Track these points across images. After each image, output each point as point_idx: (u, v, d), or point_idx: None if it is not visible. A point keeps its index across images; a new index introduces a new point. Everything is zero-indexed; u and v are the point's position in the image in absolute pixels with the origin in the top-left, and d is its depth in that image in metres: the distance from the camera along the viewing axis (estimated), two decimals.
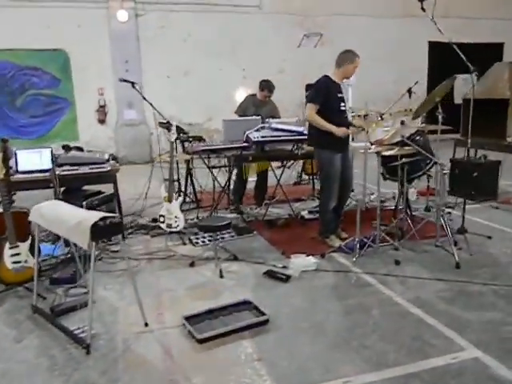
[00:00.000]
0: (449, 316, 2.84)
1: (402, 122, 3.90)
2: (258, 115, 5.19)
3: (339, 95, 4.08)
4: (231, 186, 5.34)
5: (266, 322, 2.79)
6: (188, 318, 2.78)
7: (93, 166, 4.22)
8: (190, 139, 5.15)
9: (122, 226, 2.62)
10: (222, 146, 4.71)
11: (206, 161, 4.99)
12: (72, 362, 2.45)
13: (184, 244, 4.32)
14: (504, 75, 5.96)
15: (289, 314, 2.94)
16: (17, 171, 4.20)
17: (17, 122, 9.17)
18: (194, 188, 5.71)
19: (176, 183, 4.57)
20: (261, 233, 4.58)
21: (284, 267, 3.63)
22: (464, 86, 6.41)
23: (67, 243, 4.13)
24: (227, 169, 5.03)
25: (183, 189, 5.64)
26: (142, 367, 2.41)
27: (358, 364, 2.38)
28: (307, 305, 3.06)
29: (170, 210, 4.42)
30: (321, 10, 10.75)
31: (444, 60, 11.97)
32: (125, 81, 4.30)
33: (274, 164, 5.51)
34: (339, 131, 3.92)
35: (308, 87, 7.67)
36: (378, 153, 3.95)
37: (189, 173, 5.63)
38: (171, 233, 4.40)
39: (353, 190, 5.18)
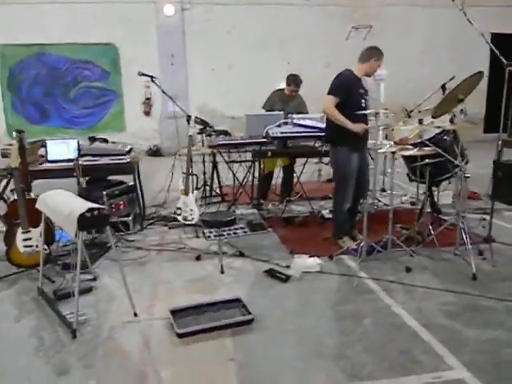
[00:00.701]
0: (447, 332, 2.64)
1: (420, 121, 3.64)
2: (285, 110, 5.12)
3: (361, 91, 3.91)
4: (255, 182, 5.33)
5: (251, 321, 2.75)
6: (174, 312, 2.80)
7: (113, 158, 4.37)
8: (214, 133, 5.16)
9: (109, 217, 2.67)
10: (241, 141, 4.69)
11: (228, 155, 5.01)
12: (57, 345, 2.57)
13: (197, 237, 4.37)
14: None
15: (278, 315, 2.88)
16: (46, 160, 4.47)
17: (70, 113, 9.72)
18: (219, 182, 5.75)
19: (194, 177, 4.59)
20: (276, 230, 4.52)
21: (287, 267, 3.56)
22: None
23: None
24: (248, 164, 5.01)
25: (209, 182, 5.71)
26: (118, 356, 2.47)
27: (331, 374, 2.28)
28: (300, 307, 2.98)
29: (187, 203, 4.49)
30: (372, 1, 10.36)
31: (509, 52, 11.17)
32: (144, 75, 4.38)
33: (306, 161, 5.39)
34: (357, 127, 3.75)
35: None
36: (393, 153, 3.73)
37: (214, 166, 5.67)
38: (187, 225, 4.47)
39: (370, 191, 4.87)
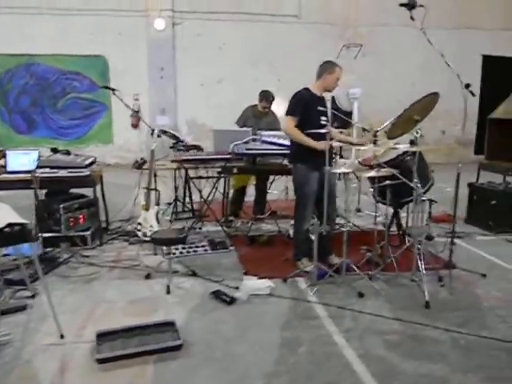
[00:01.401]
0: (382, 363, 2.50)
1: (375, 142, 3.53)
2: (257, 127, 5.05)
3: (320, 108, 3.81)
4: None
5: (180, 347, 2.62)
6: (101, 335, 2.69)
7: (72, 170, 4.29)
8: (183, 148, 5.08)
9: (29, 234, 2.57)
10: (205, 157, 4.61)
11: (197, 171, 4.94)
12: None
13: (155, 254, 4.25)
14: None
15: (210, 340, 2.75)
16: (5, 171, 4.40)
17: (57, 124, 9.74)
18: (190, 197, 5.66)
19: (156, 192, 4.51)
20: (238, 249, 4.40)
21: (236, 288, 3.43)
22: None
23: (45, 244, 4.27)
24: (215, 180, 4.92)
25: (181, 197, 5.63)
26: (30, 381, 2.35)
27: None
28: (235, 333, 2.85)
29: (147, 219, 4.41)
30: (364, 20, 10.37)
31: (501, 75, 11.07)
32: (107, 88, 4.34)
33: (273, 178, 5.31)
34: (320, 144, 3.63)
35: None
36: (354, 173, 3.63)
37: (186, 181, 5.59)
38: (146, 241, 4.37)
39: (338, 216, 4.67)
